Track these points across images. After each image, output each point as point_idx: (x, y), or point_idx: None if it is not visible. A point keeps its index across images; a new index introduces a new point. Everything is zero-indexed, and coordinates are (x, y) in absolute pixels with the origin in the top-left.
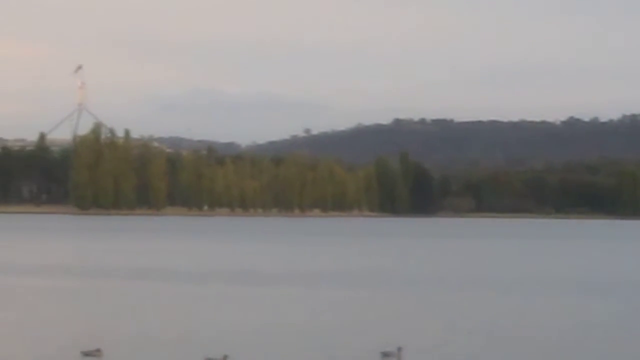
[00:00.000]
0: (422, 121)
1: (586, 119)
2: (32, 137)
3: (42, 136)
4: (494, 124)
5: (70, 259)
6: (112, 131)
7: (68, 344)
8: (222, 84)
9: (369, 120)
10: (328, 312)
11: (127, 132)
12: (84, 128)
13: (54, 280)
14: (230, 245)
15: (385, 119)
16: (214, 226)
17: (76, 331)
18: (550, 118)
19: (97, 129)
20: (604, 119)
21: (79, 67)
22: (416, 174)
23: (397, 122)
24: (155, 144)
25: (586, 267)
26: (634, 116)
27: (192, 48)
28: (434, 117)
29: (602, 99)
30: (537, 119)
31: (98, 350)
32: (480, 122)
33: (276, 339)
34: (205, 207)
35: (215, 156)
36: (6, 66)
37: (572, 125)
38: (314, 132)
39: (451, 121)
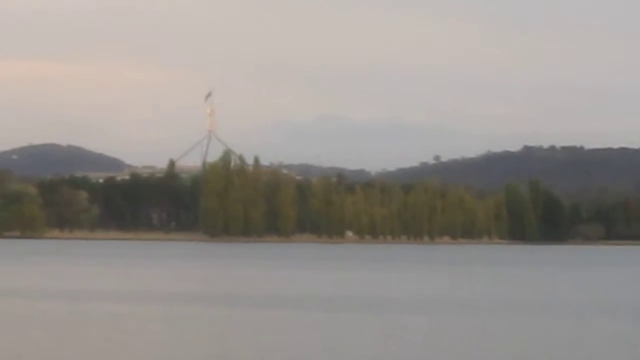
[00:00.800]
0: (552, 148)
1: None
2: (161, 164)
3: (172, 163)
4: (623, 151)
5: (205, 285)
6: (241, 158)
7: None
8: (350, 111)
9: (498, 147)
10: (480, 339)
11: (256, 159)
12: (214, 155)
13: (186, 306)
14: (360, 272)
15: (515, 146)
16: (343, 253)
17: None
18: None
19: (226, 155)
20: None
21: (209, 94)
22: (546, 201)
23: (527, 149)
24: (285, 171)
25: None
26: None
27: (321, 74)
28: (563, 144)
29: None
30: None
31: None
32: (609, 149)
33: None
34: (336, 235)
35: (345, 183)
36: (135, 93)
37: None
38: (443, 159)
39: (581, 148)
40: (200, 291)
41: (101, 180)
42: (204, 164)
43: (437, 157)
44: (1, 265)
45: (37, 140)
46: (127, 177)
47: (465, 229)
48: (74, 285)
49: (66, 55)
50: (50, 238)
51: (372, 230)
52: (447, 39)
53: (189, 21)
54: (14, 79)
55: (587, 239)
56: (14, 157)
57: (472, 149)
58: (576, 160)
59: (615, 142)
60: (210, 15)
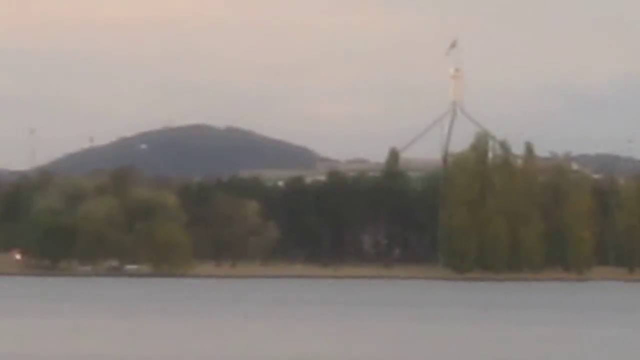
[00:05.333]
0: None
1: None
2: (375, 156)
3: (394, 155)
4: None
5: None
6: (504, 145)
7: None
8: None
9: None
10: None
11: (528, 147)
12: (460, 141)
13: None
14: None
15: None
16: None
17: None
18: None
19: (481, 142)
20: None
21: (453, 44)
22: None
23: None
24: (575, 165)
25: None
26: None
27: None
28: None
29: None
30: None
31: None
32: None
33: None
34: None
35: None
36: (327, 47)
37: None
38: None
39: None
40: None
41: (281, 184)
42: (444, 155)
43: None
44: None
45: (177, 121)
46: (322, 178)
47: None
48: None
49: None
50: (200, 276)
51: None
52: None
53: None
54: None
55: None
56: (142, 146)
57: None
58: None
59: None
60: None
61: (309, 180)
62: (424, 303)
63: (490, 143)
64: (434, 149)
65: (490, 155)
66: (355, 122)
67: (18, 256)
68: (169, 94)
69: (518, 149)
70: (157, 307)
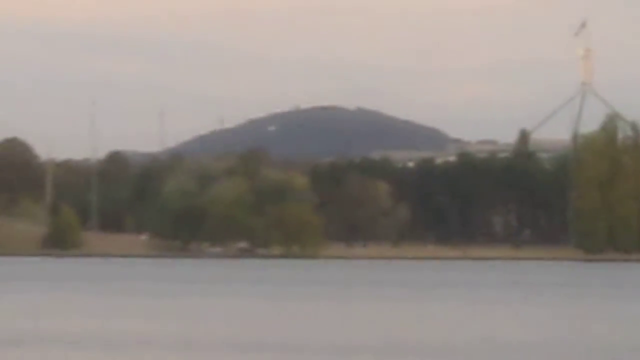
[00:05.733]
0: None
1: None
2: (505, 137)
3: (524, 136)
4: None
5: None
6: (634, 127)
7: None
8: None
9: None
10: None
11: None
12: (590, 122)
13: None
14: None
15: None
16: None
17: None
18: None
19: (611, 123)
20: None
21: (583, 24)
22: None
23: None
24: None
25: None
26: None
27: None
28: None
29: None
30: None
31: None
32: None
33: None
34: None
35: None
36: (464, 27)
37: None
38: None
39: None
40: None
41: (411, 164)
42: (574, 137)
43: None
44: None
45: (307, 103)
46: (452, 159)
47: None
48: None
49: None
50: (330, 257)
51: None
52: None
53: None
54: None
55: None
56: (271, 128)
57: None
58: None
59: None
60: None
61: (439, 161)
62: (557, 283)
63: (621, 124)
64: (563, 130)
65: (620, 136)
66: (486, 103)
67: (144, 237)
68: (299, 75)
69: None
70: (297, 290)
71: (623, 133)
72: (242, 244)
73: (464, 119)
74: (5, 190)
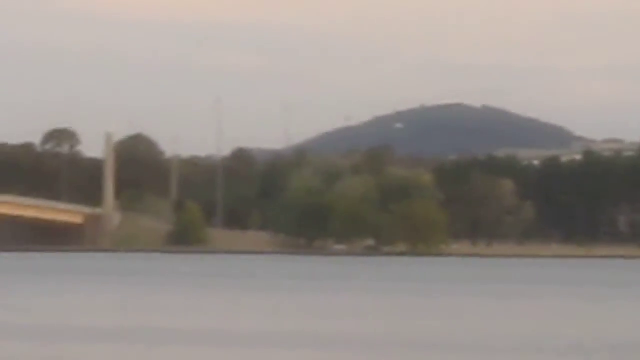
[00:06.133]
0: None
1: None
2: (631, 136)
3: None
4: None
5: None
6: None
7: None
8: None
9: None
10: None
11: None
12: None
13: None
14: None
15: None
16: None
17: None
18: None
19: None
20: None
21: None
22: None
23: None
24: None
25: None
26: None
27: None
28: None
29: None
30: None
31: None
32: None
33: None
34: None
35: None
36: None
37: None
38: None
39: None
40: None
41: (536, 163)
42: None
43: None
44: None
45: (433, 101)
46: (577, 157)
47: None
48: None
49: None
50: (455, 255)
51: None
52: None
53: None
54: None
55: None
56: (398, 125)
57: None
58: None
59: None
60: None
61: (564, 159)
62: None
63: None
64: None
65: None
66: (611, 102)
67: (267, 235)
68: (425, 73)
69: None
70: (424, 286)
71: None
72: (368, 242)
73: (589, 117)
74: (130, 186)
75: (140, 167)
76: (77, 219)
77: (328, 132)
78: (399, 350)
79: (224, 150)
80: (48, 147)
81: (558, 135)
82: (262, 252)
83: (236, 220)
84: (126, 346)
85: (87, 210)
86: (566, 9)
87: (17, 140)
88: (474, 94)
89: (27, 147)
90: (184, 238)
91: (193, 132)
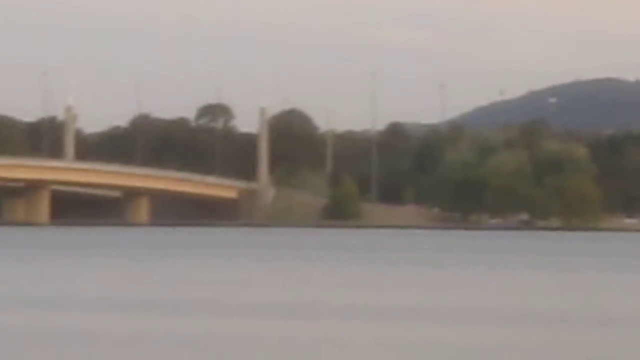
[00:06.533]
0: None
1: None
2: None
3: None
4: None
5: None
6: None
7: None
8: None
9: None
10: None
11: None
12: None
13: None
14: None
15: None
16: None
17: None
18: None
19: None
20: None
21: None
22: None
23: None
24: None
25: None
26: None
27: None
28: None
29: None
30: None
31: None
32: None
33: None
34: None
35: None
36: None
37: None
38: None
39: None
40: None
41: None
42: None
43: None
44: None
45: (588, 75)
46: None
47: None
48: None
49: None
50: (609, 230)
51: None
52: None
53: None
54: None
55: None
56: (552, 100)
57: None
58: None
59: None
60: None
61: None
62: None
63: None
64: None
65: None
66: None
67: (422, 209)
68: (580, 47)
69: None
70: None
71: None
72: (523, 216)
73: None
74: (285, 161)
75: (294, 142)
76: (232, 194)
77: (482, 107)
78: (588, 326)
79: (379, 125)
80: (202, 122)
81: None
82: (416, 227)
83: (390, 194)
84: (302, 322)
85: (242, 184)
86: None
87: (172, 115)
88: (628, 67)
89: (182, 122)
90: (338, 212)
91: (348, 107)
